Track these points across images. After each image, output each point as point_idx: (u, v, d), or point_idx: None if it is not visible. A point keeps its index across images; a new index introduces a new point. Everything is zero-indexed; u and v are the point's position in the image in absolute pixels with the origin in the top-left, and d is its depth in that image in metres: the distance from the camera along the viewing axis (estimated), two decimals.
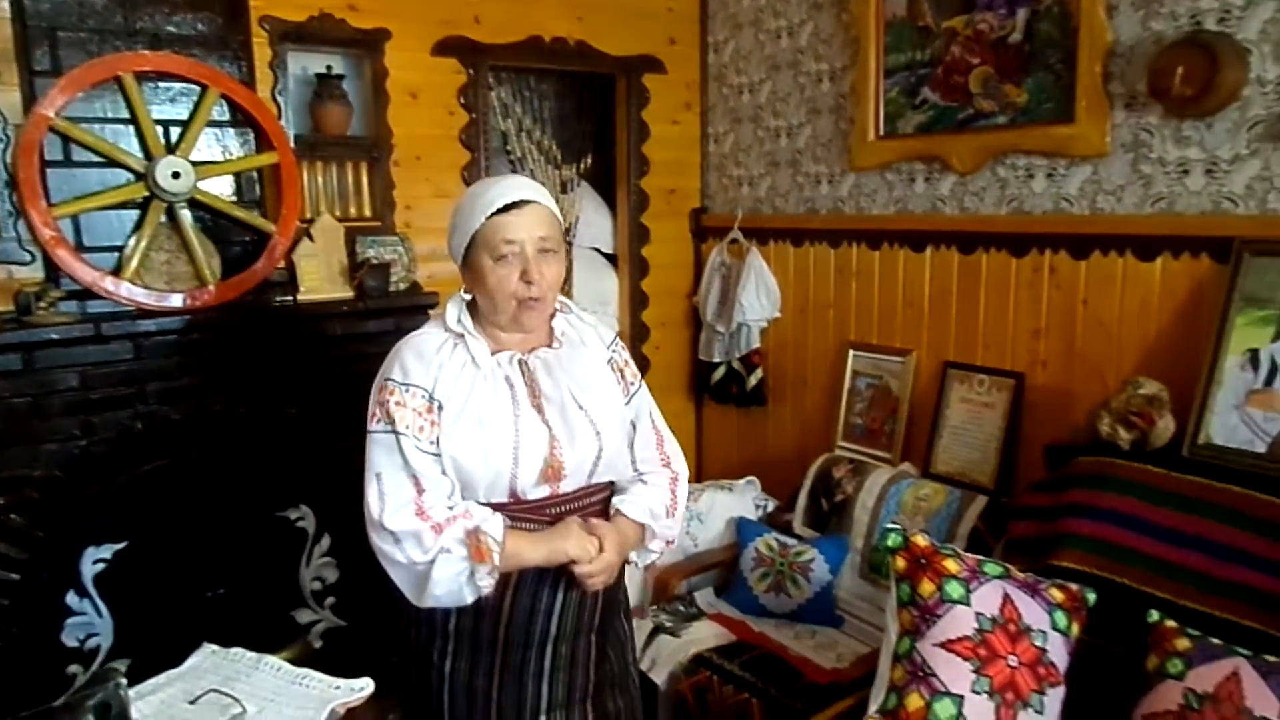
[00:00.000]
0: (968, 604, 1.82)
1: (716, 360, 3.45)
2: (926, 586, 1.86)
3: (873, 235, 2.94)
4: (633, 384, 1.68)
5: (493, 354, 1.52)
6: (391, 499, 1.44)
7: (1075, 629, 1.85)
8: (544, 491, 1.52)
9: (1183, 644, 1.72)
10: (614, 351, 1.67)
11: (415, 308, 2.73)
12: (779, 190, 3.27)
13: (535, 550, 1.49)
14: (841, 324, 3.11)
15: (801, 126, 3.15)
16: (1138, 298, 2.28)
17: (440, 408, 1.46)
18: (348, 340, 2.60)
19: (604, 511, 1.61)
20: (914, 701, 1.78)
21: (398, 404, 1.45)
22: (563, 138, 3.41)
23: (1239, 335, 2.00)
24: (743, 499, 3.08)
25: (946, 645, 1.79)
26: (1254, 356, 1.97)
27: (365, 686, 1.52)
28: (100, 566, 2.30)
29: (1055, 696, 1.78)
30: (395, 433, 1.45)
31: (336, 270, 2.68)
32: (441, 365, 1.48)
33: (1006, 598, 1.83)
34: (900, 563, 1.93)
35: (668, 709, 2.41)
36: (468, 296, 1.58)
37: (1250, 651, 1.66)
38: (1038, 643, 1.79)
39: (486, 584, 1.45)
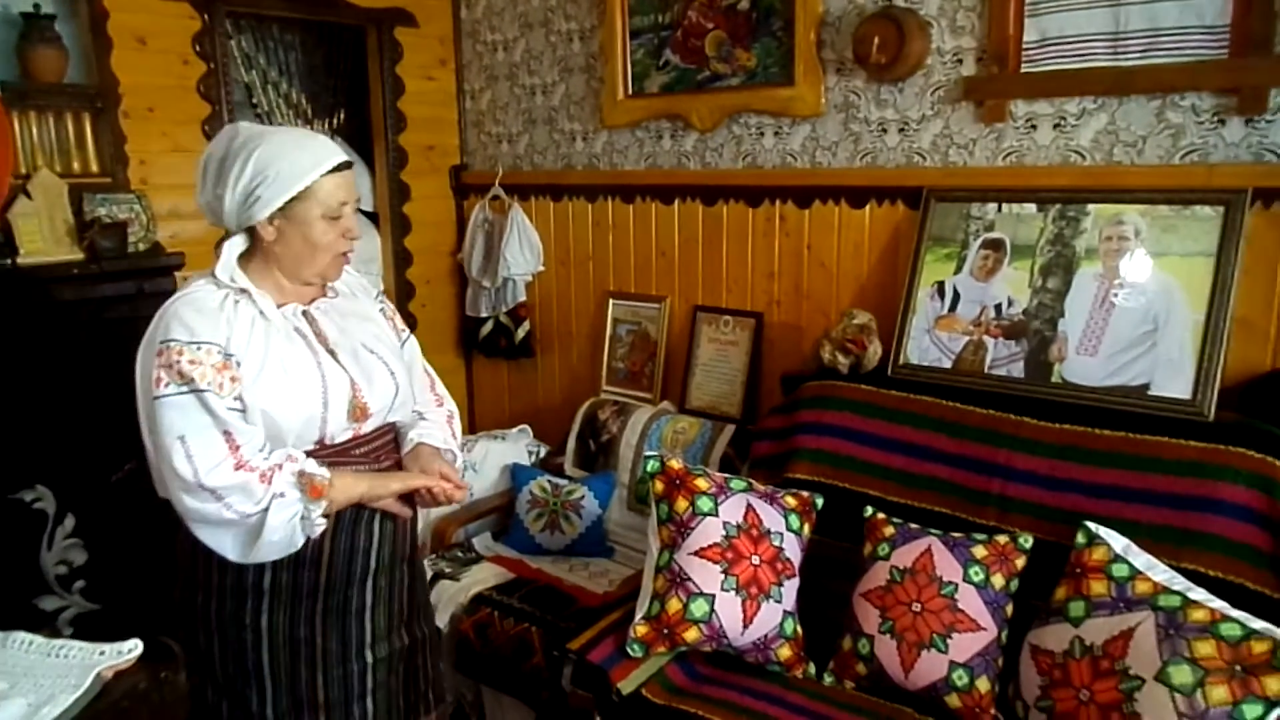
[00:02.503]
0: (716, 515, 2.04)
1: (484, 315, 3.52)
2: (681, 504, 2.06)
3: (626, 189, 3.12)
4: (403, 332, 1.79)
5: (277, 308, 1.54)
6: (203, 458, 1.41)
7: (807, 529, 2.14)
8: (349, 433, 1.58)
9: (889, 531, 2.04)
10: (382, 302, 1.78)
11: (159, 269, 2.58)
12: (537, 147, 3.37)
13: (359, 482, 1.57)
14: (601, 275, 3.27)
15: (555, 85, 3.26)
16: (851, 241, 2.61)
17: (238, 363, 1.45)
18: (82, 306, 2.42)
19: (396, 449, 1.71)
20: (674, 605, 1.99)
21: (192, 362, 1.41)
22: (312, 91, 3.31)
23: (928, 270, 2.36)
24: (515, 447, 3.19)
25: (699, 553, 2.01)
26: (940, 287, 2.33)
27: (134, 648, 1.48)
28: None
29: (791, 586, 2.05)
30: (196, 390, 1.41)
31: (62, 231, 2.47)
32: (229, 320, 1.47)
33: (749, 507, 2.07)
34: (658, 485, 2.13)
35: (450, 649, 2.49)
36: (241, 248, 1.55)
37: (940, 531, 2.00)
38: (775, 543, 2.05)
39: (320, 525, 1.49)
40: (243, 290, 1.51)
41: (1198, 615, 1.62)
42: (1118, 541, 1.81)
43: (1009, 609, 1.90)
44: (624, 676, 1.96)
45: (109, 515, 2.52)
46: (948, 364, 2.28)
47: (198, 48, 2.79)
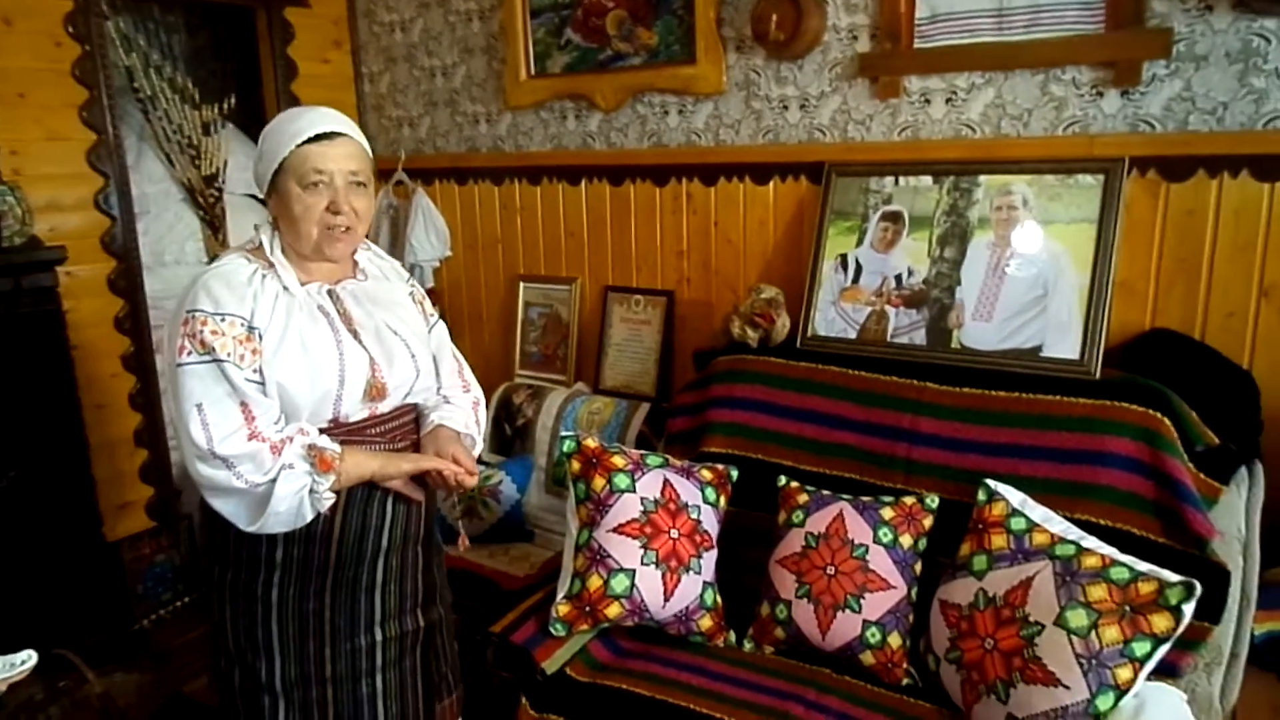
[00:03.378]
0: (634, 491, 2.06)
1: None
2: (598, 482, 2.07)
3: (532, 171, 3.09)
4: (432, 316, 1.80)
5: (302, 285, 1.55)
6: (218, 426, 1.42)
7: (723, 501, 2.17)
8: (365, 413, 1.58)
9: (802, 499, 2.09)
10: (413, 286, 1.79)
11: (37, 264, 2.45)
12: (439, 130, 3.31)
13: (371, 460, 1.56)
14: (510, 258, 3.24)
15: (456, 66, 3.20)
16: (756, 217, 2.65)
17: (260, 336, 1.47)
18: None
19: (414, 430, 1.71)
20: (594, 582, 2.00)
21: (214, 333, 1.43)
22: (199, 76, 3.16)
23: (832, 243, 2.41)
24: None
25: (618, 529, 2.02)
26: (843, 260, 2.39)
27: (27, 659, 1.43)
28: None
29: (710, 558, 2.08)
30: (217, 360, 1.43)
31: None
32: (255, 295, 1.48)
33: (666, 482, 2.09)
34: (575, 465, 2.13)
35: None
36: (272, 227, 1.58)
37: (851, 496, 2.06)
38: (693, 516, 2.08)
39: (328, 499, 1.49)
40: (270, 265, 1.54)
41: (1090, 562, 1.71)
42: (1015, 497, 1.90)
43: (918, 567, 1.97)
44: (548, 656, 1.96)
45: None
46: (853, 334, 2.34)
47: (70, 29, 2.63)
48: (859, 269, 2.37)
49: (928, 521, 1.99)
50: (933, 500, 2.01)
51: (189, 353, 1.44)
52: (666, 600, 2.00)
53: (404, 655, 1.69)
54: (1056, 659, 1.63)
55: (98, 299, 2.76)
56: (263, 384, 1.47)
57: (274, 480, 1.44)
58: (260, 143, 1.56)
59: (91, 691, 2.24)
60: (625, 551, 2.00)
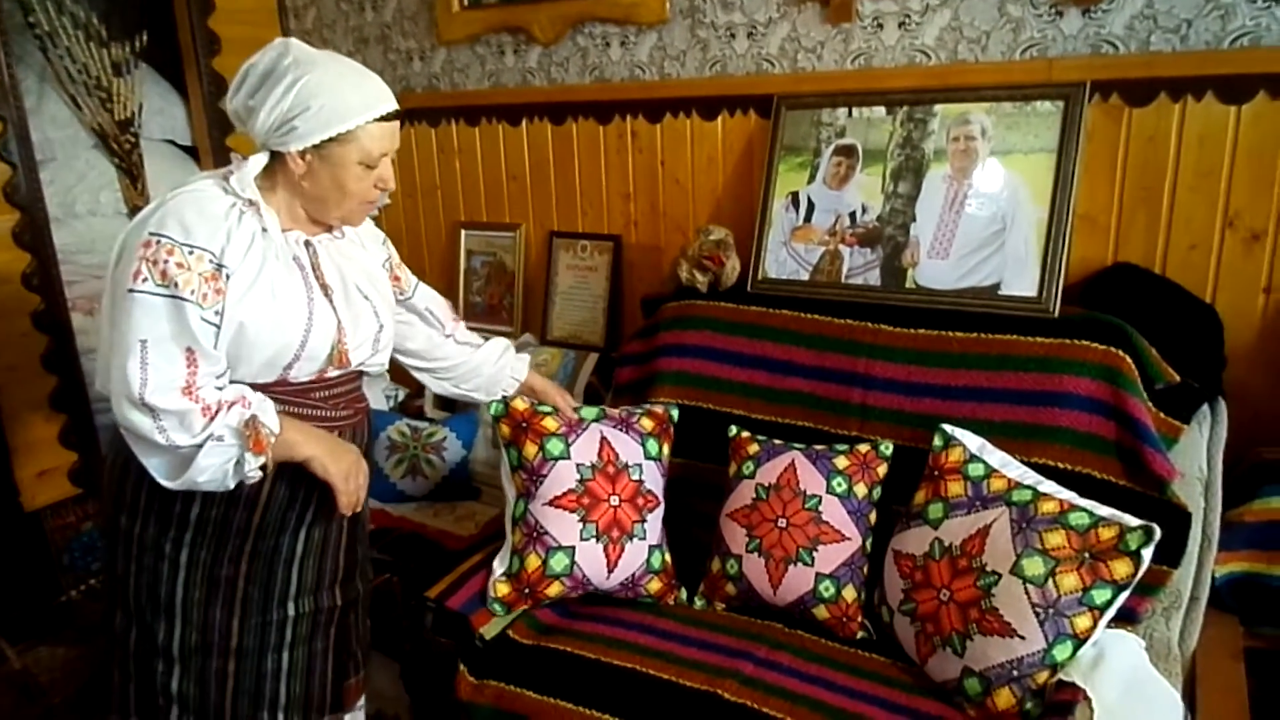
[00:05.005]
0: (568, 458, 1.94)
1: None
2: (530, 449, 1.96)
3: (470, 111, 2.92)
4: (410, 281, 1.78)
5: (283, 231, 1.46)
6: (156, 371, 1.32)
7: (666, 450, 2.07)
8: (311, 376, 1.50)
9: (753, 449, 1.99)
10: (390, 251, 1.73)
11: None
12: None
13: (307, 447, 1.45)
14: (451, 204, 3.08)
15: None
16: (705, 155, 2.51)
17: (228, 277, 1.37)
18: None
19: (360, 399, 1.67)
20: (533, 562, 1.90)
21: (180, 265, 1.32)
22: (104, 10, 2.92)
23: (782, 180, 2.29)
24: (371, 391, 2.99)
25: (554, 503, 1.91)
26: (794, 198, 2.27)
27: None
28: None
29: (655, 518, 1.99)
30: (176, 297, 1.32)
31: None
32: (230, 232, 1.38)
33: (603, 440, 1.98)
34: (505, 429, 2.02)
35: None
36: (261, 164, 1.44)
37: (803, 444, 1.97)
38: (634, 476, 1.97)
39: (255, 475, 1.38)
40: (251, 203, 1.42)
41: (1048, 507, 1.64)
42: (973, 441, 1.82)
43: (872, 517, 1.90)
44: (487, 620, 1.87)
45: None
46: (805, 276, 2.23)
47: None
48: (811, 207, 2.25)
49: (882, 469, 1.91)
50: (887, 447, 1.92)
51: (144, 279, 1.32)
52: (610, 571, 1.91)
53: (315, 633, 1.59)
54: (1013, 609, 1.57)
55: (2, 254, 2.57)
56: (218, 328, 1.35)
57: (199, 446, 1.32)
58: (296, 92, 1.37)
59: (10, 668, 2.13)
60: (563, 527, 1.89)
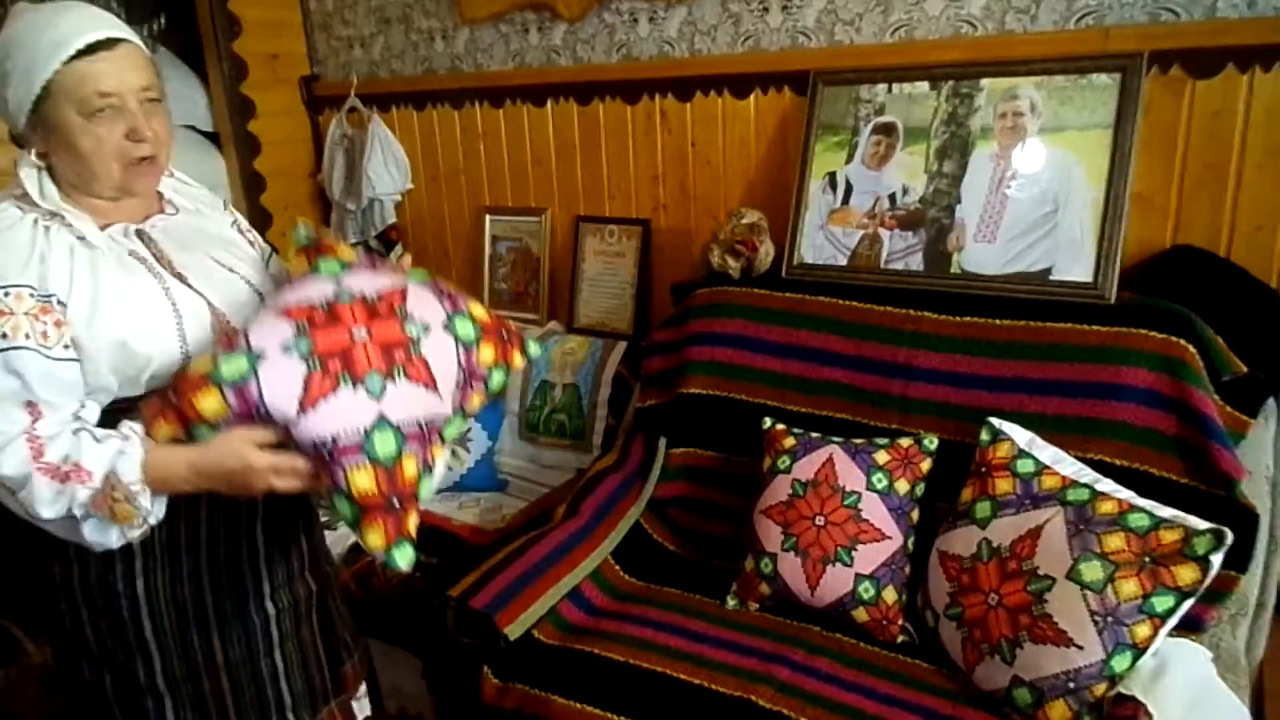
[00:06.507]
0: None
1: (352, 241, 3.22)
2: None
3: (494, 93, 2.84)
4: (264, 247, 1.54)
5: (101, 229, 1.26)
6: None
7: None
8: None
9: (789, 442, 1.91)
10: (235, 216, 1.53)
11: None
12: (393, 50, 3.04)
13: (191, 480, 1.22)
14: (475, 189, 3.01)
15: None
16: (737, 135, 2.41)
17: (61, 303, 1.19)
18: None
19: None
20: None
21: (0, 313, 1.15)
22: None
23: (819, 161, 2.19)
24: None
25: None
26: (832, 179, 2.16)
27: None
28: None
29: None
30: (7, 349, 1.15)
31: None
32: (43, 256, 1.20)
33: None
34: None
35: None
36: (39, 162, 1.26)
37: (841, 438, 1.88)
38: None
39: (140, 532, 1.22)
40: (52, 214, 1.23)
41: (1106, 507, 1.54)
42: (1021, 436, 1.72)
43: (915, 515, 1.80)
44: (512, 620, 1.80)
45: None
46: (843, 261, 2.13)
47: None
48: (849, 188, 2.15)
49: (925, 465, 1.82)
50: (931, 441, 1.83)
51: None
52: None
53: (300, 624, 1.50)
54: (1068, 616, 1.47)
55: None
56: (76, 361, 1.20)
57: (68, 517, 1.17)
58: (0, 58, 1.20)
59: (30, 662, 2.11)
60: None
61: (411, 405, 1.26)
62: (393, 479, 1.22)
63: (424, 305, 1.35)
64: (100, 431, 1.22)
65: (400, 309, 1.32)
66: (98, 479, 1.18)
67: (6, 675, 2.03)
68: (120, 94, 1.22)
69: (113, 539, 1.22)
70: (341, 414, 1.21)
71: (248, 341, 1.22)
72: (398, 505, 1.23)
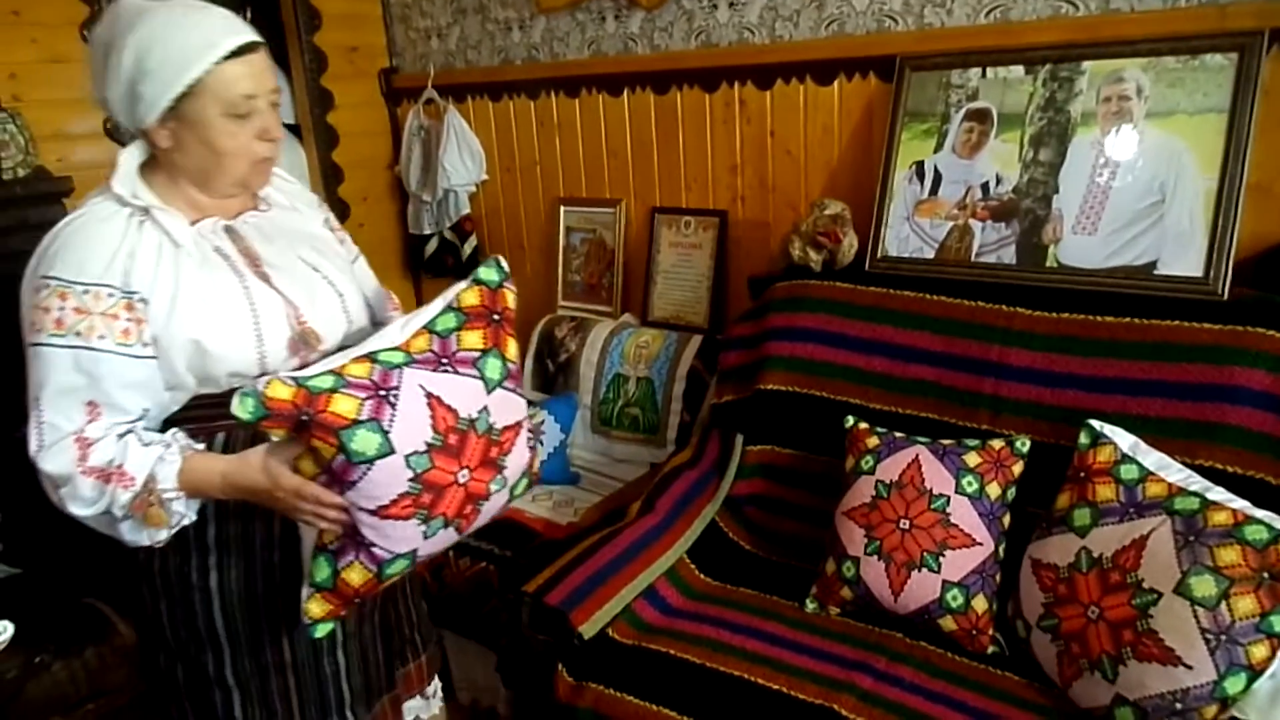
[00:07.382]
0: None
1: (427, 232, 3.25)
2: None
3: (570, 82, 2.81)
4: (353, 249, 1.59)
5: (191, 224, 1.29)
6: (50, 430, 1.19)
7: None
8: (292, 365, 1.33)
9: (872, 442, 1.84)
10: (327, 213, 1.56)
11: (43, 197, 2.30)
12: (470, 41, 3.04)
13: (224, 489, 1.25)
14: (550, 180, 2.99)
15: None
16: (819, 124, 2.34)
17: (145, 302, 1.22)
18: None
19: None
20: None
21: (77, 311, 1.18)
22: None
23: (905, 149, 2.11)
24: None
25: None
26: (919, 168, 2.08)
27: (3, 631, 1.30)
28: None
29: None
30: (82, 348, 1.18)
31: None
32: (132, 253, 1.22)
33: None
34: None
35: None
36: (139, 159, 1.30)
37: (928, 439, 1.81)
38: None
39: (167, 535, 1.25)
40: (145, 210, 1.26)
41: (1219, 518, 1.44)
42: (1125, 440, 1.63)
43: (1006, 520, 1.72)
44: (586, 618, 1.78)
45: (21, 472, 2.29)
46: (930, 253, 2.05)
47: None
48: (938, 178, 2.06)
49: (1018, 468, 1.73)
50: (1024, 443, 1.74)
51: (39, 330, 1.19)
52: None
53: (363, 621, 1.50)
54: (1177, 633, 1.38)
55: None
56: (155, 358, 1.22)
57: (106, 514, 1.21)
58: (130, 54, 1.20)
59: (123, 641, 2.16)
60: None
61: (435, 545, 1.32)
62: (376, 589, 1.31)
63: (519, 454, 1.43)
64: (147, 435, 1.24)
65: (501, 460, 1.36)
66: (140, 483, 1.20)
67: (99, 653, 2.08)
68: (259, 96, 1.26)
69: (144, 538, 1.25)
70: (394, 537, 1.25)
71: (390, 423, 1.20)
72: (354, 603, 1.31)
